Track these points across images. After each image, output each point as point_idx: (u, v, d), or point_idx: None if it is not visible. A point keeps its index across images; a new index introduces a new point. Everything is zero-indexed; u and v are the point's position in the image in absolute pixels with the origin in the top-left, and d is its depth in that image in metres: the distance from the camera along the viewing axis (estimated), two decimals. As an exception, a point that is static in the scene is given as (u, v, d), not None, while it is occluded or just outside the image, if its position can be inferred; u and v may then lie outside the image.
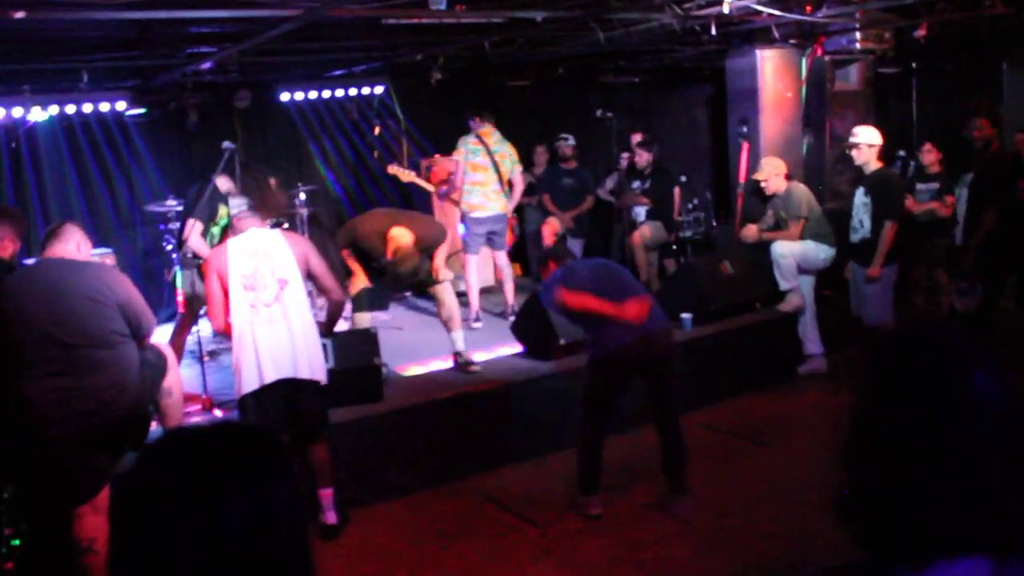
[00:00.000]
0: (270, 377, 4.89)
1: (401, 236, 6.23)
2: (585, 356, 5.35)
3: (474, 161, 8.00)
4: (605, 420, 5.21)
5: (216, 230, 6.92)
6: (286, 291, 4.99)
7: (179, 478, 1.19)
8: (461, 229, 8.85)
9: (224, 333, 5.38)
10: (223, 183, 7.12)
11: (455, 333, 6.64)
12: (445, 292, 6.64)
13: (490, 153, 7.97)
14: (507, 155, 8.18)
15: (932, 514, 1.31)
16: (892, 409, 1.38)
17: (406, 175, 8.43)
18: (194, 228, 6.60)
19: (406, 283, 6.95)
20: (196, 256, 6.76)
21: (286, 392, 4.96)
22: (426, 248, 6.44)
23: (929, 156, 7.83)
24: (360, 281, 6.56)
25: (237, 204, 6.98)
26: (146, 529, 1.18)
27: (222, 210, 6.89)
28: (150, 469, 1.22)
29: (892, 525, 1.35)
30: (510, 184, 8.27)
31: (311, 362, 5.01)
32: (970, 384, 1.34)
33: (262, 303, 4.95)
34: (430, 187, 8.71)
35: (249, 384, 4.92)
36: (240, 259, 5.00)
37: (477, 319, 8.05)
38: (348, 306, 6.78)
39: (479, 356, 6.82)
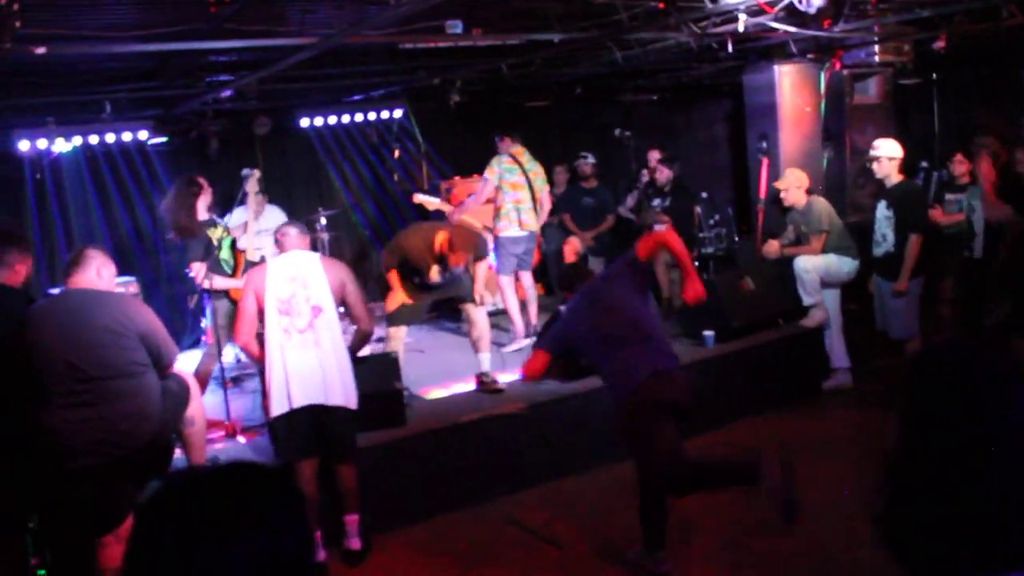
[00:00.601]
0: (299, 402, 4.93)
1: (447, 238, 6.37)
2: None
3: (512, 180, 7.90)
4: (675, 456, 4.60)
5: (225, 254, 6.79)
6: (320, 319, 5.03)
7: (188, 518, 1.20)
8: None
9: (248, 351, 5.39)
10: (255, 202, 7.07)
11: (483, 354, 6.67)
12: (478, 312, 6.71)
13: (525, 172, 7.95)
14: (539, 173, 8.17)
15: (974, 532, 1.31)
16: (934, 427, 1.39)
17: (432, 204, 8.42)
18: (197, 272, 6.46)
19: (448, 291, 6.85)
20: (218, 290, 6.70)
21: (315, 417, 4.98)
22: (471, 251, 6.55)
23: (960, 167, 7.70)
24: (399, 297, 6.59)
25: (278, 219, 7.00)
26: (155, 568, 1.19)
27: (212, 235, 6.70)
28: (160, 509, 1.23)
29: (934, 543, 1.35)
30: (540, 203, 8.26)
31: (344, 388, 5.05)
32: (1011, 402, 1.35)
33: (295, 329, 5.00)
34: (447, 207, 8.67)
35: (279, 408, 4.95)
36: (278, 283, 5.06)
37: (528, 335, 8.01)
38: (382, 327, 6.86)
39: (504, 378, 6.82)
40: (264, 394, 5.17)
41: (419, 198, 8.51)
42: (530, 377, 5.12)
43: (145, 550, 1.21)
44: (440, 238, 6.39)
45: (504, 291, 8.02)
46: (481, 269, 6.77)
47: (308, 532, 1.28)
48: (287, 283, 5.05)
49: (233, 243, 6.76)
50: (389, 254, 6.69)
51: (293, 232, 5.36)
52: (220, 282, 6.52)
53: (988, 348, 1.46)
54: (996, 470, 1.31)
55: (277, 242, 5.39)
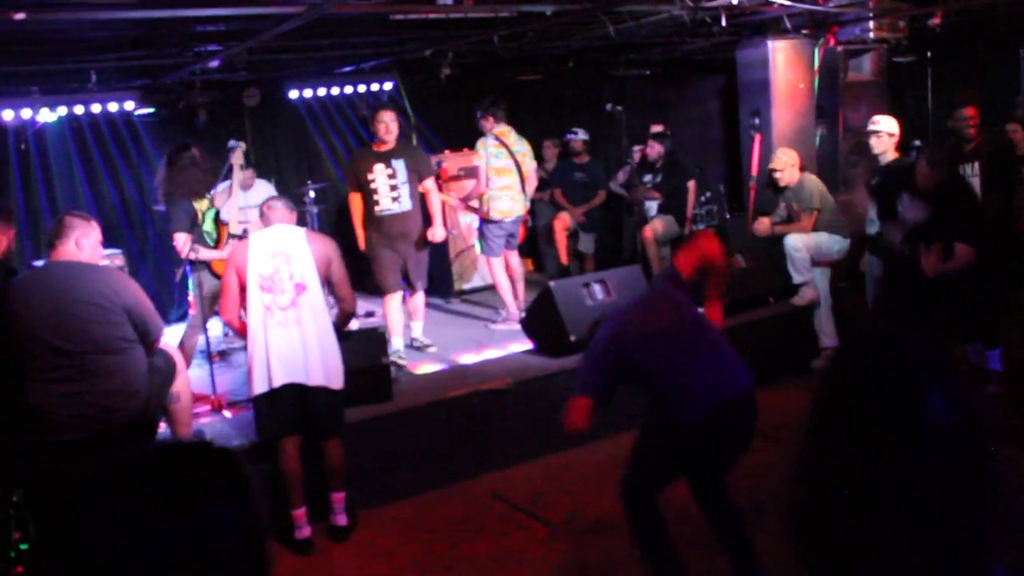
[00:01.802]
0: (279, 381, 4.88)
1: None
2: None
3: (498, 165, 7.63)
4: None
5: (209, 226, 6.68)
6: (303, 296, 4.94)
7: (123, 502, 1.17)
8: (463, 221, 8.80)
9: (232, 327, 5.36)
10: (242, 176, 7.00)
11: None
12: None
13: (512, 155, 7.73)
14: (527, 153, 8.02)
15: (882, 539, 1.25)
16: (842, 429, 1.31)
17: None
18: (180, 241, 6.35)
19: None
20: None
21: (298, 395, 4.94)
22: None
23: None
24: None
25: (267, 192, 6.96)
26: (92, 552, 1.16)
27: (197, 206, 6.58)
28: (96, 491, 1.20)
29: (841, 547, 1.29)
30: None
31: (325, 368, 4.97)
32: (927, 406, 1.27)
33: (277, 306, 4.92)
34: (449, 200, 8.49)
35: (259, 386, 4.91)
36: (260, 258, 4.96)
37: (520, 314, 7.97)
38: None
39: (491, 353, 6.81)
40: (248, 370, 5.11)
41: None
42: (576, 429, 3.93)
43: (80, 533, 1.18)
44: None
45: (495, 273, 7.93)
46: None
47: (253, 516, 1.25)
48: (269, 259, 4.95)
49: (217, 215, 6.69)
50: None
51: (279, 205, 5.25)
52: (204, 253, 6.47)
53: (910, 344, 1.36)
54: (907, 477, 1.24)
55: (263, 215, 5.28)
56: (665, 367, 3.85)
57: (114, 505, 1.17)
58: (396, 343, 6.89)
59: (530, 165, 7.95)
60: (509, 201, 7.69)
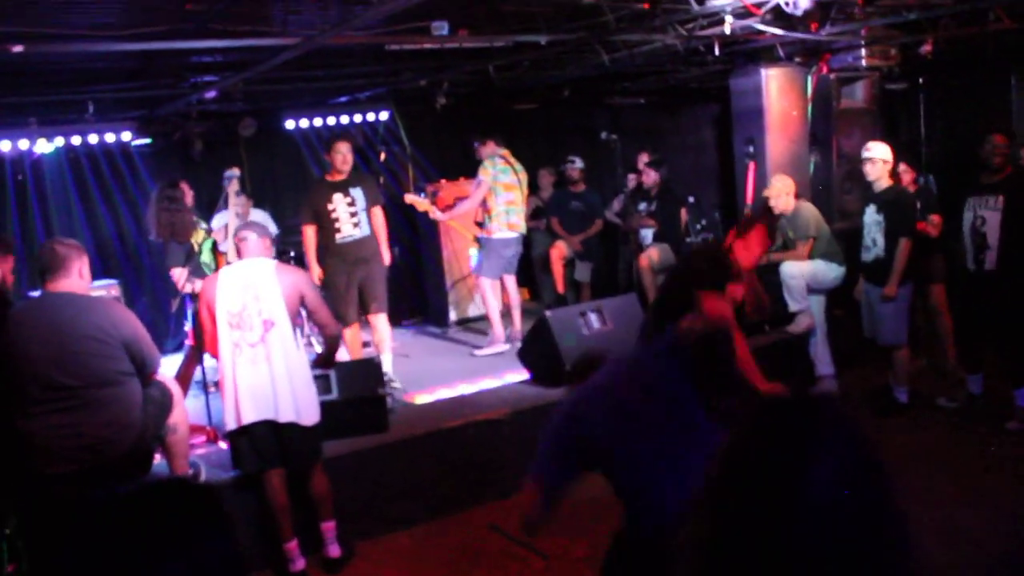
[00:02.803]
0: (248, 418, 4.83)
1: None
2: None
3: (506, 181, 7.90)
4: None
5: (207, 257, 6.73)
6: (271, 332, 4.85)
7: (108, 543, 1.16)
8: (473, 254, 8.80)
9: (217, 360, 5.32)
10: (238, 203, 7.07)
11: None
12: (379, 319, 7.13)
13: (516, 172, 8.00)
14: (524, 175, 8.19)
15: None
16: (728, 500, 1.24)
17: (422, 205, 8.37)
18: (177, 277, 6.47)
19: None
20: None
21: (272, 429, 4.89)
22: None
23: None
24: None
25: (220, 220, 6.97)
26: None
27: (196, 236, 6.65)
28: (87, 529, 1.20)
29: None
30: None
31: (295, 404, 4.89)
32: (804, 478, 1.18)
33: (246, 343, 4.84)
34: (441, 215, 8.54)
35: (230, 422, 4.89)
36: (229, 294, 4.88)
37: (508, 340, 8.00)
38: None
39: (487, 383, 6.78)
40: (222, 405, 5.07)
41: (410, 198, 8.48)
42: (532, 525, 3.11)
43: (70, 569, 1.17)
44: None
45: (486, 294, 7.96)
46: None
47: (233, 551, 1.24)
48: (239, 293, 4.87)
49: (214, 245, 6.70)
50: None
51: (252, 237, 5.08)
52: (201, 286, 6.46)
53: (803, 407, 1.29)
54: (781, 555, 1.16)
55: (236, 247, 5.18)
56: (625, 456, 2.96)
57: (103, 542, 1.17)
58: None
59: (525, 190, 8.09)
60: (516, 216, 7.91)
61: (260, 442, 4.88)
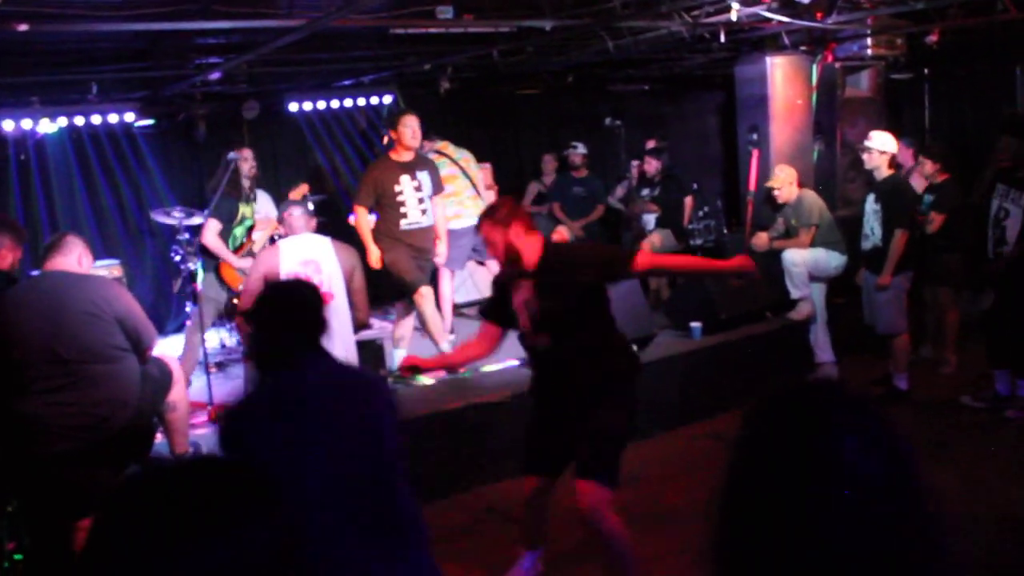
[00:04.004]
0: None
1: None
2: None
3: (443, 173, 7.31)
4: None
5: (239, 231, 6.90)
6: (330, 305, 4.98)
7: (149, 523, 1.13)
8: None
9: (241, 326, 5.38)
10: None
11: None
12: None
13: (455, 162, 7.77)
14: (470, 159, 8.02)
15: None
16: (754, 481, 1.24)
17: None
18: (209, 226, 6.67)
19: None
20: (211, 256, 6.76)
21: None
22: None
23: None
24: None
25: (266, 204, 7.02)
26: (120, 571, 1.12)
27: (243, 209, 6.87)
28: (120, 510, 1.17)
29: None
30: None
31: None
32: (839, 451, 1.19)
33: None
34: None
35: None
36: (291, 266, 5.04)
37: (451, 331, 7.76)
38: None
39: (484, 367, 6.79)
40: (248, 379, 5.12)
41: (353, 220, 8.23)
42: None
43: (104, 556, 1.14)
44: None
45: (440, 281, 7.70)
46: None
47: (282, 529, 1.21)
48: (300, 267, 5.03)
49: (251, 228, 6.82)
50: None
51: (298, 213, 5.31)
52: (225, 252, 6.68)
53: (827, 390, 1.31)
54: (821, 526, 1.17)
55: (283, 221, 5.36)
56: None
57: (143, 522, 1.13)
58: (446, 348, 6.67)
59: (476, 170, 7.98)
60: (456, 206, 7.52)
61: None
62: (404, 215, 6.48)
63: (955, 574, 1.21)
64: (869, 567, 1.15)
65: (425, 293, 6.58)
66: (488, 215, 4.14)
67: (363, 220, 6.53)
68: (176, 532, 1.12)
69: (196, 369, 6.70)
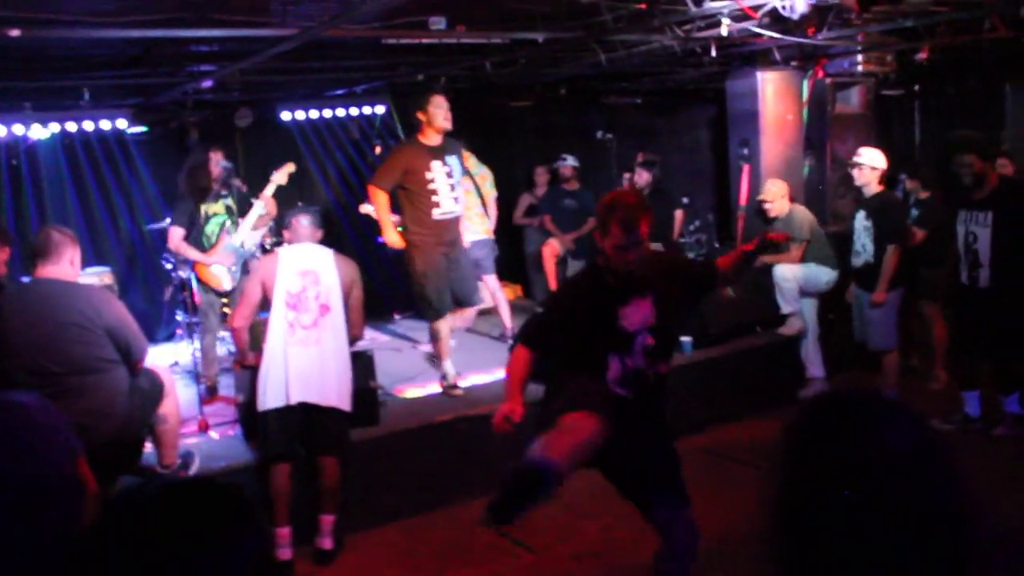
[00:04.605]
0: (295, 398, 4.92)
1: None
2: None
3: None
4: None
5: (211, 228, 6.81)
6: (326, 317, 5.03)
7: (137, 545, 1.14)
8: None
9: (236, 336, 5.32)
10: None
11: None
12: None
13: (471, 176, 7.71)
14: (487, 177, 8.02)
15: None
16: (808, 479, 1.32)
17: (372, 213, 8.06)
18: (172, 233, 6.66)
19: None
20: (173, 263, 6.75)
21: (307, 414, 4.95)
22: None
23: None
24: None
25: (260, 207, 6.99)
26: None
27: (205, 208, 6.76)
28: (109, 532, 1.18)
29: None
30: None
31: (338, 390, 5.04)
32: (881, 439, 1.29)
33: (300, 324, 4.98)
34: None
35: (274, 401, 4.92)
36: (289, 276, 5.03)
37: (506, 339, 7.95)
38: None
39: (477, 379, 6.77)
40: (241, 390, 5.10)
41: (366, 208, 7.95)
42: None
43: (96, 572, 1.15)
44: None
45: (488, 284, 7.97)
46: None
47: (264, 547, 1.24)
48: (298, 277, 5.03)
49: (224, 223, 6.75)
50: None
51: (305, 222, 5.30)
52: (192, 254, 6.61)
53: (861, 391, 1.40)
54: (874, 510, 1.25)
55: (289, 227, 5.35)
56: None
57: (124, 548, 1.14)
58: (449, 368, 6.53)
59: (490, 190, 7.91)
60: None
61: (292, 426, 4.94)
62: (437, 204, 6.09)
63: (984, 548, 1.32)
64: (917, 535, 1.25)
65: (448, 319, 6.36)
66: (641, 204, 3.52)
67: (382, 201, 6.12)
68: (157, 558, 1.14)
69: (183, 378, 6.67)
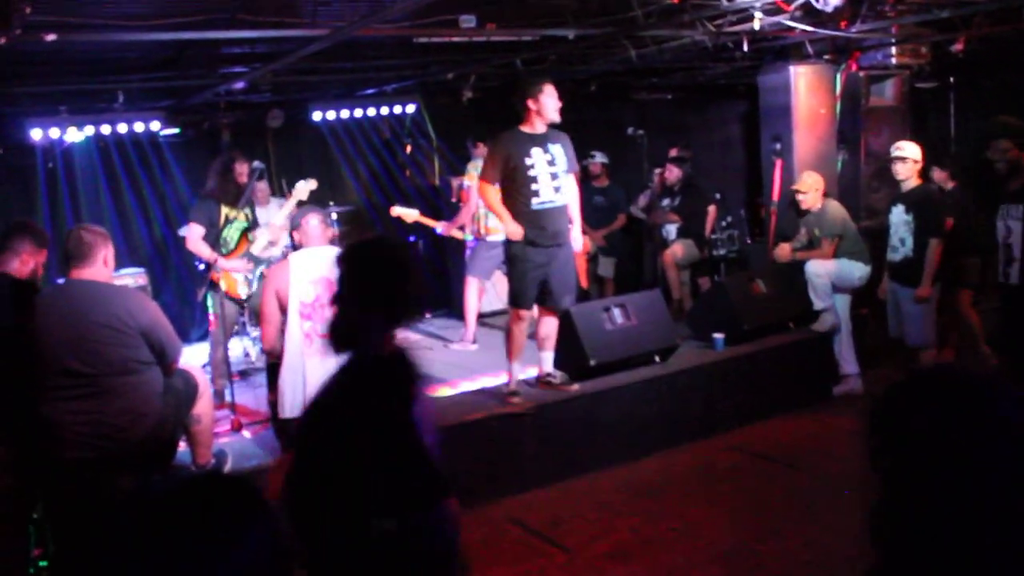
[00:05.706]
0: None
1: None
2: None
3: None
4: None
5: (229, 233, 6.77)
6: None
7: (151, 538, 1.15)
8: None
9: (271, 354, 5.21)
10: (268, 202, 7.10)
11: (546, 353, 6.35)
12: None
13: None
14: None
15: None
16: (921, 472, 1.32)
17: (410, 217, 8.03)
18: (190, 231, 6.60)
19: None
20: (206, 264, 6.70)
21: None
22: None
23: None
24: None
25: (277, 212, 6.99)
26: None
27: (226, 211, 6.71)
28: (122, 528, 1.19)
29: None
30: None
31: None
32: (997, 411, 1.31)
33: (317, 334, 4.87)
34: (435, 224, 8.28)
35: (292, 411, 4.89)
36: (301, 285, 4.93)
37: (474, 341, 8.01)
38: None
39: (507, 377, 6.76)
40: (273, 389, 5.11)
41: (397, 211, 8.06)
42: None
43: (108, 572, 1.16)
44: None
45: (468, 291, 7.93)
46: None
47: (280, 542, 1.24)
48: (311, 286, 4.91)
49: (245, 230, 6.75)
50: None
51: (314, 222, 5.14)
52: (207, 254, 6.56)
53: (959, 370, 1.41)
54: (997, 481, 1.27)
55: (298, 228, 5.20)
56: None
57: (139, 542, 1.15)
58: (516, 371, 6.23)
59: None
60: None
61: None
62: (535, 192, 5.81)
63: None
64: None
65: (525, 316, 6.10)
66: None
67: (494, 196, 5.89)
68: (175, 551, 1.15)
69: (219, 382, 6.66)
